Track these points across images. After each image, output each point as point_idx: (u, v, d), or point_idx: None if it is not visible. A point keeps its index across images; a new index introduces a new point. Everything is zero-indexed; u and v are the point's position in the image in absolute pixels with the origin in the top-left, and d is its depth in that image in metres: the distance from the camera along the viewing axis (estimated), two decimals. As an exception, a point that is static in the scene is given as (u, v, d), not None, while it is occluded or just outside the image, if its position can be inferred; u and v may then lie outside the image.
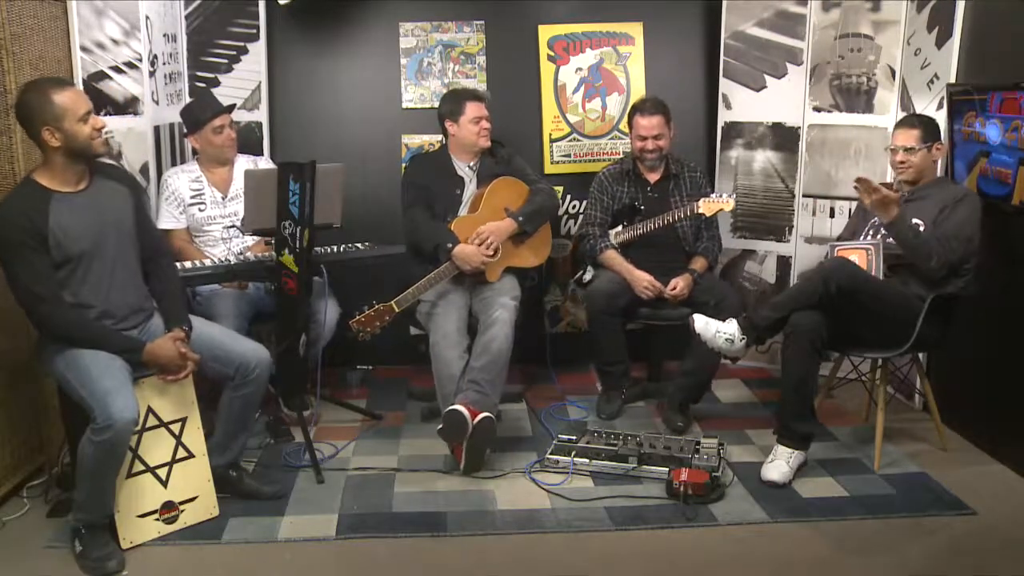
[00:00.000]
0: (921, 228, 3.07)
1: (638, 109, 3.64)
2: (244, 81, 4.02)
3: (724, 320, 3.16)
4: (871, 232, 3.24)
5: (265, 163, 3.71)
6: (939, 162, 3.26)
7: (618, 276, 3.57)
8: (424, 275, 3.31)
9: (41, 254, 2.45)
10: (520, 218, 3.45)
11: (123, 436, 2.43)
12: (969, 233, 3.01)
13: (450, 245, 3.34)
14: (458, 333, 3.27)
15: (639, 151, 3.64)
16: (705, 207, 3.50)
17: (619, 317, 3.57)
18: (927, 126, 3.15)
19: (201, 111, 3.47)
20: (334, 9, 4.11)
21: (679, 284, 3.51)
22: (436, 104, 3.99)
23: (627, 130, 4.18)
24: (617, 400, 3.70)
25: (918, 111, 3.63)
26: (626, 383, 3.73)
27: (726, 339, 3.12)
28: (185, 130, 3.58)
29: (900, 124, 3.22)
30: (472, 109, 3.49)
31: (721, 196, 3.52)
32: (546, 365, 4.00)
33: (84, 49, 3.10)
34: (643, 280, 3.52)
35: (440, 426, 3.06)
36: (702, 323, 3.16)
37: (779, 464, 3.04)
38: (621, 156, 4.10)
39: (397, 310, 3.16)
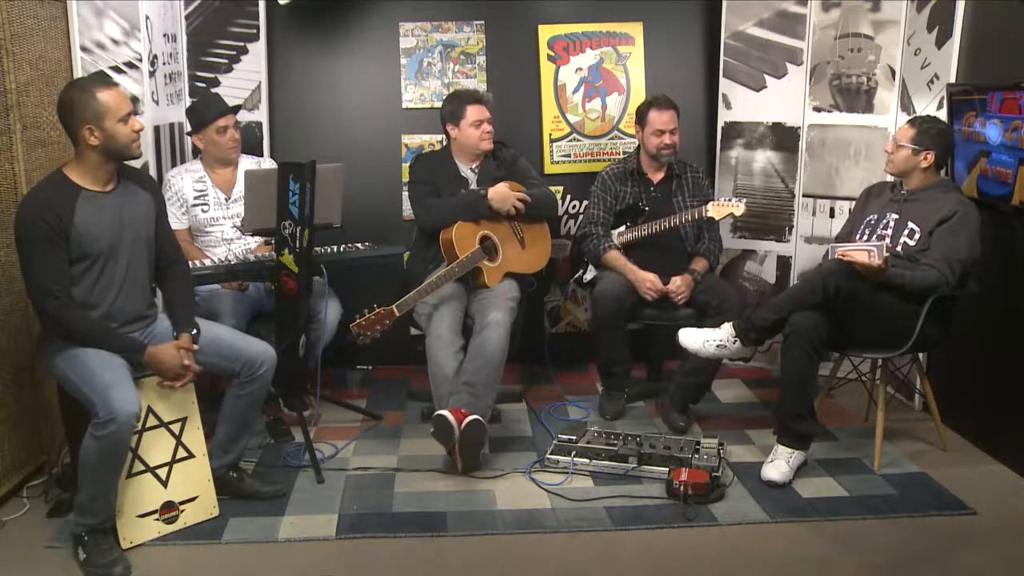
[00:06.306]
0: (916, 234, 3.07)
1: (652, 104, 3.61)
2: (244, 81, 4.02)
3: (722, 322, 3.16)
4: (867, 231, 3.24)
5: (268, 165, 3.70)
6: (939, 170, 3.22)
7: (621, 277, 3.56)
8: (426, 276, 3.31)
9: (60, 249, 2.46)
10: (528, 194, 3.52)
11: (125, 430, 2.42)
12: (968, 255, 2.99)
13: (483, 192, 3.42)
14: (451, 333, 3.27)
15: (656, 147, 3.60)
16: (715, 211, 3.48)
17: (625, 319, 3.57)
18: (926, 132, 3.09)
19: (206, 111, 3.46)
20: (334, 9, 4.11)
21: (678, 283, 3.51)
22: (436, 104, 4.03)
23: (628, 130, 4.22)
24: (620, 400, 3.70)
25: (918, 111, 3.63)
26: (628, 382, 3.73)
27: (717, 346, 3.12)
28: (189, 129, 3.58)
29: (909, 119, 3.21)
30: (473, 112, 3.49)
31: (731, 200, 3.51)
32: (546, 365, 4.00)
33: (84, 49, 3.10)
34: (647, 281, 3.51)
35: (432, 429, 3.07)
36: (687, 338, 3.16)
37: (779, 464, 3.04)
38: (622, 156, 4.10)
39: (398, 314, 3.15)
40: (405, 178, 4.01)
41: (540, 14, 4.21)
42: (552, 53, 4.22)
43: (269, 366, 2.78)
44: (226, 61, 4.00)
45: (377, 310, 3.12)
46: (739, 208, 3.47)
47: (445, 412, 3.03)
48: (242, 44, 4.00)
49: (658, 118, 3.58)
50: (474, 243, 3.40)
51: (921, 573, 2.54)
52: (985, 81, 3.23)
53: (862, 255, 2.97)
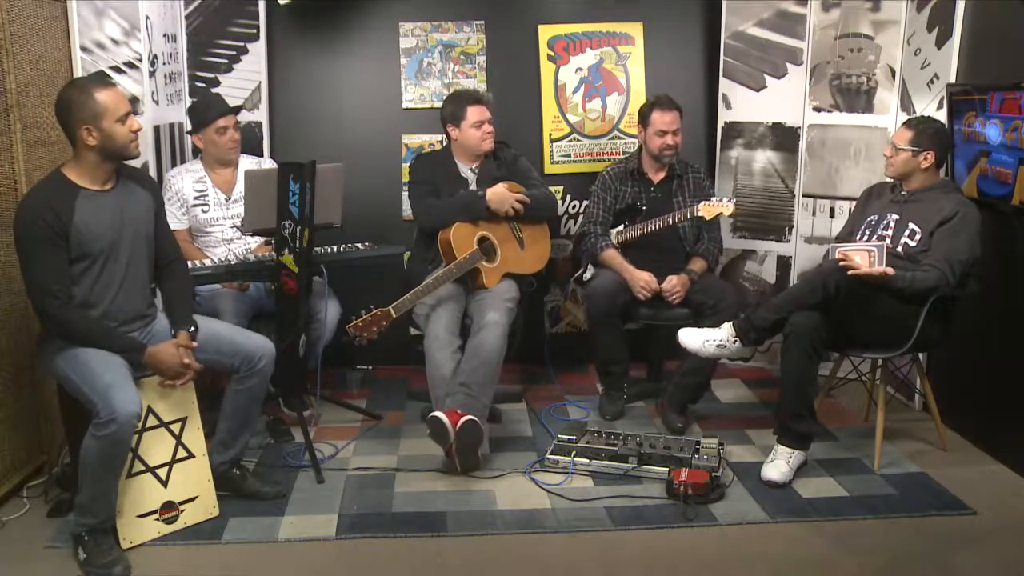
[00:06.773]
0: (917, 235, 3.07)
1: (655, 105, 3.61)
2: (244, 81, 4.02)
3: (719, 322, 3.16)
4: (867, 232, 3.24)
5: (268, 165, 3.70)
6: (938, 168, 3.22)
7: (616, 275, 3.56)
8: (425, 276, 3.31)
9: (60, 249, 2.46)
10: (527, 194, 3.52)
11: (126, 430, 2.42)
12: (969, 256, 2.99)
13: (481, 193, 3.42)
14: (448, 334, 3.27)
15: (658, 148, 3.60)
16: (705, 210, 3.48)
17: (619, 317, 3.57)
18: (923, 133, 3.10)
19: (206, 111, 3.46)
20: (334, 9, 4.11)
21: (674, 282, 3.51)
22: (436, 104, 4.03)
23: (628, 130, 4.22)
24: (619, 400, 3.70)
25: (918, 111, 3.63)
26: (626, 382, 3.73)
27: (717, 345, 3.12)
28: (189, 128, 3.58)
29: (904, 122, 3.21)
30: (474, 113, 3.49)
31: (721, 200, 3.51)
32: (546, 365, 4.00)
33: (84, 49, 3.10)
34: (640, 279, 3.52)
35: (428, 430, 3.08)
36: (688, 337, 3.16)
37: (779, 464, 3.04)
38: (622, 156, 4.10)
39: (394, 315, 3.15)
40: (405, 178, 4.01)
41: (540, 14, 4.21)
42: (552, 53, 4.22)
43: (268, 360, 2.78)
44: (226, 61, 4.00)
45: (374, 311, 3.11)
46: (728, 208, 3.47)
47: (439, 414, 3.03)
48: (242, 44, 4.01)
49: (661, 119, 3.58)
50: (472, 244, 3.40)
51: (921, 573, 2.54)
52: (985, 81, 3.23)
53: (863, 257, 2.98)
